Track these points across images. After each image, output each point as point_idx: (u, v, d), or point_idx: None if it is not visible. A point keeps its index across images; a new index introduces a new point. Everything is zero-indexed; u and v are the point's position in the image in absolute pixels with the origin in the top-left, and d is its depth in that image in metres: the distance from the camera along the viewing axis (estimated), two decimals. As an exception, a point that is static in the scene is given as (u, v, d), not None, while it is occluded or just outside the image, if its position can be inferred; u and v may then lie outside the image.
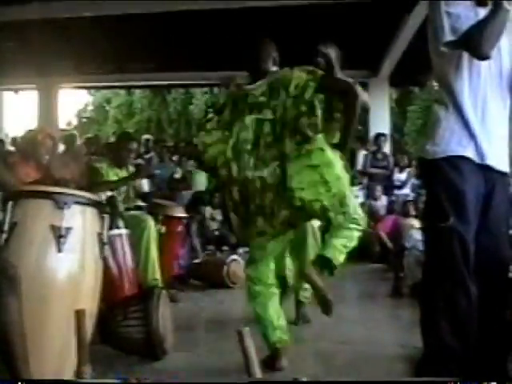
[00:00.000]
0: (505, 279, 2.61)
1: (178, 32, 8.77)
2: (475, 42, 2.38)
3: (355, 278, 6.45)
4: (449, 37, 2.44)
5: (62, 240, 2.54)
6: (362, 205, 9.21)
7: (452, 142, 2.53)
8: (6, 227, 2.54)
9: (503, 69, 2.57)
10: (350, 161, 9.78)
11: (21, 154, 4.56)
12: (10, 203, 2.58)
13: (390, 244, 7.54)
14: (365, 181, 9.74)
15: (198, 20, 8.20)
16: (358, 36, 8.42)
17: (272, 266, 3.24)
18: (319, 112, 2.95)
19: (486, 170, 2.54)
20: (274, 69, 3.26)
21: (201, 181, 9.58)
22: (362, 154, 10.04)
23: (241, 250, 7.48)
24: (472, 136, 2.51)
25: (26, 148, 4.49)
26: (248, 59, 3.30)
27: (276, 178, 2.99)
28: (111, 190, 4.48)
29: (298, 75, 3.07)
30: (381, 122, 10.82)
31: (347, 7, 7.67)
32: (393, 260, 6.32)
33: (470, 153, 2.51)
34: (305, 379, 1.58)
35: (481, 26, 2.38)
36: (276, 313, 3.12)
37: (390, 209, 8.88)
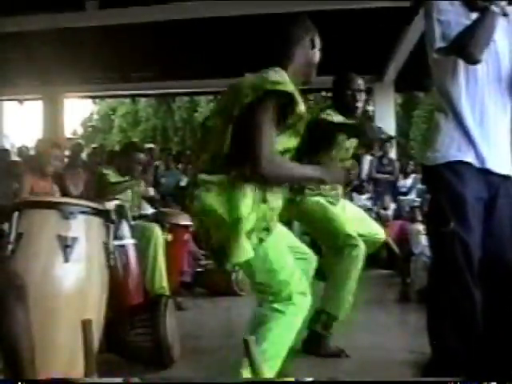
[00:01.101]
0: (511, 283, 2.61)
1: (182, 40, 8.80)
2: (465, 47, 2.39)
3: (362, 283, 6.41)
4: (439, 43, 2.46)
5: (68, 250, 2.55)
6: (369, 211, 9.22)
7: (452, 148, 2.53)
8: (12, 238, 2.54)
9: (502, 73, 2.56)
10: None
11: (27, 164, 4.57)
12: (16, 214, 2.58)
13: (397, 249, 7.53)
14: (370, 187, 9.72)
15: (202, 28, 8.23)
16: (362, 41, 8.44)
17: None
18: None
19: (488, 174, 2.53)
20: (314, 51, 2.47)
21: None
22: (367, 160, 10.03)
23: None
24: (471, 141, 2.52)
25: (32, 158, 4.50)
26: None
27: None
28: (117, 193, 4.48)
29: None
30: (386, 127, 10.74)
31: (352, 12, 7.69)
32: (400, 265, 6.31)
33: (469, 158, 2.52)
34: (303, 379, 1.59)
35: (470, 30, 2.40)
36: None
37: (397, 214, 8.87)
